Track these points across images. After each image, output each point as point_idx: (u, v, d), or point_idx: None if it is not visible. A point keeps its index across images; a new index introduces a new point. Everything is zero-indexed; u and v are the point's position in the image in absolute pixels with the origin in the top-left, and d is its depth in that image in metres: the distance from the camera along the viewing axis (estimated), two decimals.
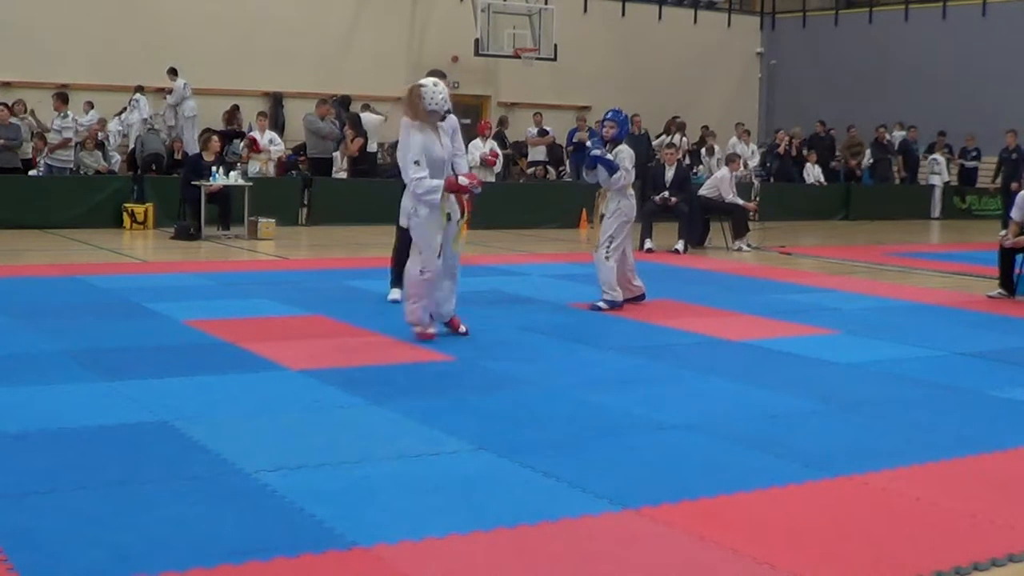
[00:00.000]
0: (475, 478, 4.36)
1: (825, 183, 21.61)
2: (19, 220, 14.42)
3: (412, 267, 7.26)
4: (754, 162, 21.18)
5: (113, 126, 18.57)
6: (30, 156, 15.99)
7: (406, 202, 7.27)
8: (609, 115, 9.02)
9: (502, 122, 21.34)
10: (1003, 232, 10.28)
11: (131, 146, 17.89)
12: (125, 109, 18.54)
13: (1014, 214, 10.08)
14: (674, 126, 20.94)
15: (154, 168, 16.69)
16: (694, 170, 19.56)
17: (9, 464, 4.38)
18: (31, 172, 15.83)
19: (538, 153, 20.53)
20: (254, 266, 11.87)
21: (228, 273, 10.90)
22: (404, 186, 7.30)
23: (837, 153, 22.63)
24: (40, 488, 4.08)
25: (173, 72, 18.56)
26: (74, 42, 19.07)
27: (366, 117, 18.21)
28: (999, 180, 20.75)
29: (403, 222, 7.39)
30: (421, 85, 7.11)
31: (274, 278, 10.61)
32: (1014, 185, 16.71)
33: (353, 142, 17.46)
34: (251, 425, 5.11)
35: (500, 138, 20.16)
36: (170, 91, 18.73)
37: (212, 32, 20.09)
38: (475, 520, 3.85)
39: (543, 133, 20.56)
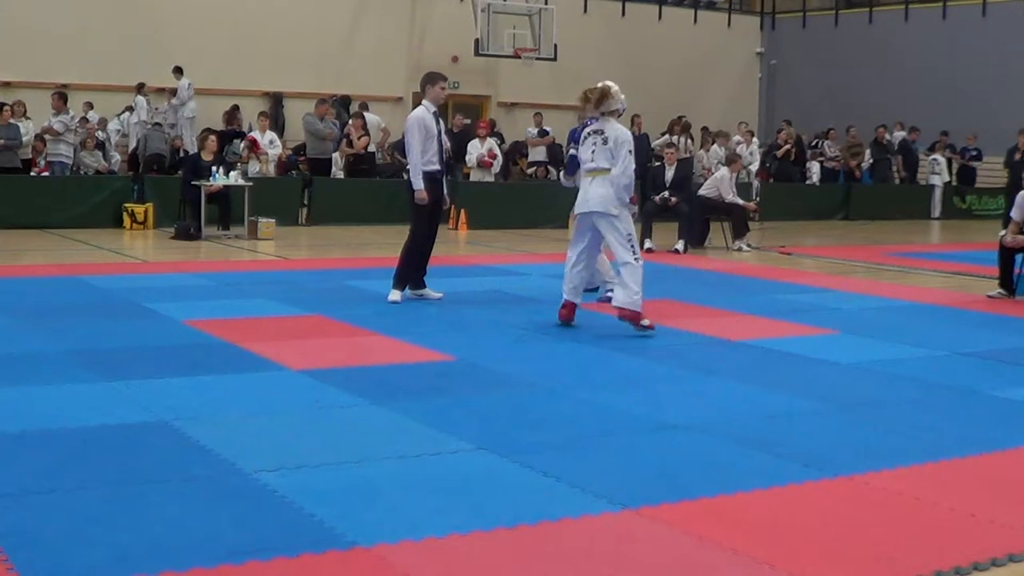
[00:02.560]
0: (475, 478, 4.36)
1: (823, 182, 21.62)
2: (19, 220, 14.43)
3: (626, 256, 7.62)
4: (754, 165, 21.09)
5: (113, 126, 18.56)
6: (30, 156, 15.97)
7: (610, 192, 7.62)
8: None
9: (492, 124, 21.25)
10: (1003, 232, 10.28)
11: (131, 146, 17.88)
12: (126, 111, 18.53)
13: (1014, 214, 10.08)
14: (679, 127, 20.90)
15: (155, 168, 16.68)
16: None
17: (9, 464, 4.38)
18: (32, 172, 15.82)
19: (538, 153, 20.50)
20: (254, 266, 11.87)
21: (228, 273, 10.89)
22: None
23: (835, 154, 22.57)
24: (40, 488, 4.08)
25: (178, 71, 18.55)
26: (74, 42, 19.06)
27: (367, 117, 18.23)
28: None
29: (612, 210, 7.64)
30: (611, 85, 7.86)
31: (274, 278, 10.61)
32: None
33: (360, 140, 17.47)
34: (251, 425, 5.11)
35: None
36: (174, 91, 18.74)
37: (212, 32, 20.10)
38: (475, 520, 3.85)
39: (543, 133, 20.53)
